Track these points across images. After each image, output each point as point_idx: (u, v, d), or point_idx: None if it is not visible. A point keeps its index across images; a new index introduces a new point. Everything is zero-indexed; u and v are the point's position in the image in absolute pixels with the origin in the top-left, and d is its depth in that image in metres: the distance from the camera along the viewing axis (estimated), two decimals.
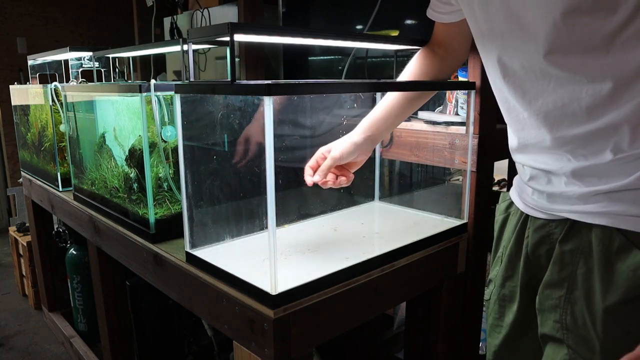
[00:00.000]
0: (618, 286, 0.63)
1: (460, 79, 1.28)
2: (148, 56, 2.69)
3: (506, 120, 0.80)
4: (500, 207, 0.90)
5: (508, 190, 0.90)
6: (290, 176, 1.05)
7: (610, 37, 0.58)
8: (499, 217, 0.89)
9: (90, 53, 1.78)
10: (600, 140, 0.63)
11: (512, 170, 0.84)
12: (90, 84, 1.71)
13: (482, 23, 0.74)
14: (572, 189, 0.68)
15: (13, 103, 2.23)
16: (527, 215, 0.78)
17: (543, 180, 0.73)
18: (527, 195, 0.78)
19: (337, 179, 0.96)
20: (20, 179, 2.26)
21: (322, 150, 0.98)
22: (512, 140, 0.79)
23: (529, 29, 0.65)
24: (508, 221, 0.85)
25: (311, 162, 0.98)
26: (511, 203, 0.85)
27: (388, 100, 0.99)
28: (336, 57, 2.05)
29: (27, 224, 2.50)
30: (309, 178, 0.95)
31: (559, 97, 0.65)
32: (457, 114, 1.25)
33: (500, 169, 1.28)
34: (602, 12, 0.57)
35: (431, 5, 0.95)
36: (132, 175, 1.23)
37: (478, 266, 1.22)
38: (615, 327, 0.64)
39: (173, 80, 2.66)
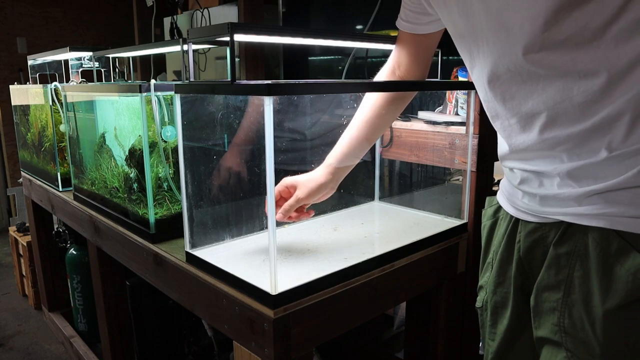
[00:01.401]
0: (617, 290, 0.62)
1: (460, 79, 1.28)
2: (148, 56, 2.70)
3: (495, 128, 0.78)
4: (487, 212, 0.88)
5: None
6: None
7: (601, 31, 0.58)
8: (486, 222, 0.87)
9: (90, 53, 1.78)
10: (595, 138, 0.62)
11: None
12: (90, 84, 1.71)
13: (463, 29, 0.73)
14: (565, 191, 0.67)
15: (13, 103, 2.23)
16: (518, 220, 0.77)
17: (535, 183, 0.71)
18: (517, 198, 0.76)
19: (298, 215, 1.00)
20: (20, 179, 2.26)
21: (285, 183, 0.98)
22: (502, 148, 0.77)
23: (513, 30, 0.63)
24: (497, 226, 0.84)
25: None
26: (499, 207, 0.84)
27: (350, 135, 0.99)
28: (336, 57, 2.05)
29: (27, 224, 2.50)
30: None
31: (549, 97, 0.64)
32: (457, 114, 1.25)
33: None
34: (593, 4, 0.57)
35: (405, 18, 0.92)
36: (132, 175, 1.23)
37: (478, 266, 1.22)
38: (616, 330, 0.63)
39: (173, 80, 2.66)
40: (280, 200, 0.99)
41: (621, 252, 0.62)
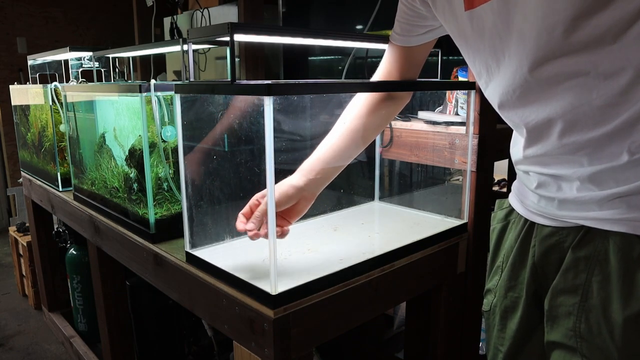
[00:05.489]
0: (639, 296, 0.61)
1: (460, 79, 1.28)
2: (148, 56, 2.70)
3: (515, 132, 0.77)
4: (497, 215, 0.86)
5: (508, 191, 0.88)
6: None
7: (623, 32, 0.56)
8: (496, 226, 0.86)
9: (90, 53, 1.78)
10: (616, 141, 0.61)
11: (512, 170, 0.83)
12: (90, 84, 1.71)
13: (479, 44, 0.71)
14: (586, 194, 0.65)
15: (13, 103, 2.23)
16: (533, 223, 0.75)
17: (553, 187, 0.70)
18: (533, 202, 0.75)
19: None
20: (20, 179, 2.26)
21: (257, 196, 0.89)
22: (517, 151, 0.76)
23: (531, 41, 0.63)
24: (508, 230, 0.83)
25: (244, 210, 0.88)
26: (511, 211, 0.83)
27: (334, 140, 0.94)
28: (336, 57, 2.05)
29: (27, 224, 2.50)
30: (241, 225, 0.85)
31: (567, 102, 0.63)
32: (457, 114, 1.25)
33: (500, 169, 1.28)
34: (611, 10, 0.56)
35: (400, 32, 0.90)
36: (132, 175, 1.23)
37: (478, 266, 1.22)
38: (636, 337, 0.62)
39: (173, 80, 2.66)
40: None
41: None
